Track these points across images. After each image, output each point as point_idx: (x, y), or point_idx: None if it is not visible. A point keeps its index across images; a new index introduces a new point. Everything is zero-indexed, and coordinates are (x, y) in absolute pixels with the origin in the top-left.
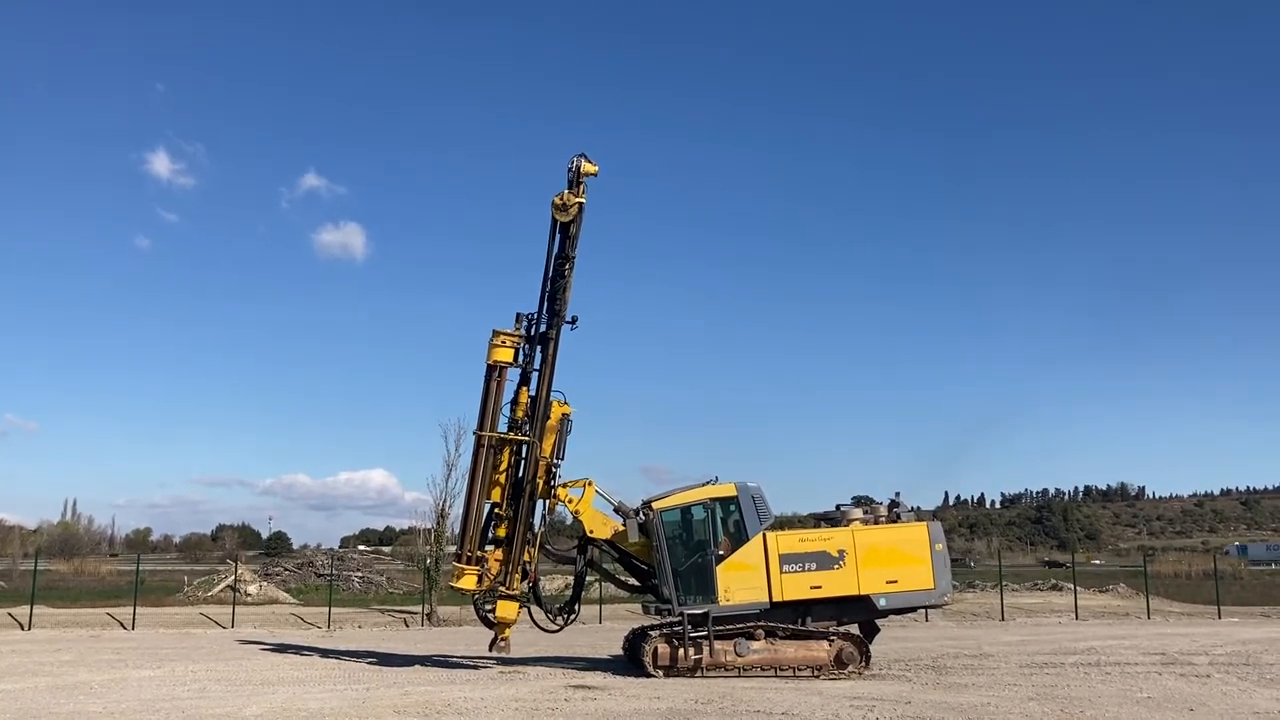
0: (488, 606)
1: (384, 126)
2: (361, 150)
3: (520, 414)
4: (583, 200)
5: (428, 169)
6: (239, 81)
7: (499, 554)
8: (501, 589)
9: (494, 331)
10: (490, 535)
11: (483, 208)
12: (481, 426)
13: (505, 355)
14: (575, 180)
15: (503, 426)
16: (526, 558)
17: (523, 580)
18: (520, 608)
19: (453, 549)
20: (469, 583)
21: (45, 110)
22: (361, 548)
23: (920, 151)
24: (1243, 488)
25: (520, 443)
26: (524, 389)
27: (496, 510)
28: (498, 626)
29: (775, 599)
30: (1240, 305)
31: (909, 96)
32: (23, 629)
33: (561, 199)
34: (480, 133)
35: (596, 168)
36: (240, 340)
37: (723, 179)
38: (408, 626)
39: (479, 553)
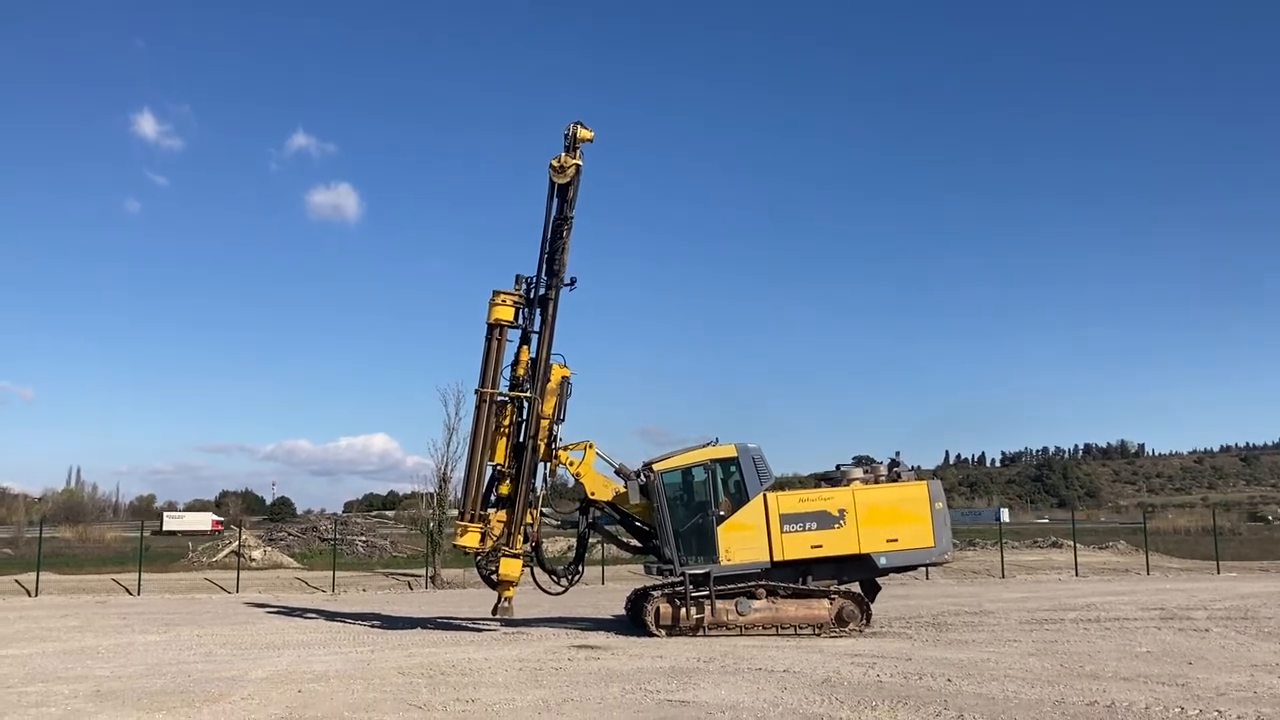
0: (490, 567)
1: (371, 82)
2: (349, 107)
3: (521, 372)
4: (579, 163)
5: (418, 125)
6: (219, 35)
7: (501, 515)
8: (504, 548)
9: (494, 291)
10: (493, 498)
11: (478, 165)
12: (483, 384)
13: (505, 314)
14: (572, 145)
15: (504, 386)
16: (529, 519)
17: (525, 543)
18: (523, 566)
19: (455, 513)
20: (472, 540)
21: (27, 72)
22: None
23: (933, 132)
24: (1242, 444)
25: (521, 401)
26: (524, 348)
27: (499, 469)
28: (501, 585)
29: (776, 558)
30: (1239, 262)
31: (915, 76)
32: (30, 595)
33: (559, 161)
34: (473, 89)
35: (592, 134)
36: (234, 305)
37: (724, 152)
38: (411, 590)
39: (482, 513)
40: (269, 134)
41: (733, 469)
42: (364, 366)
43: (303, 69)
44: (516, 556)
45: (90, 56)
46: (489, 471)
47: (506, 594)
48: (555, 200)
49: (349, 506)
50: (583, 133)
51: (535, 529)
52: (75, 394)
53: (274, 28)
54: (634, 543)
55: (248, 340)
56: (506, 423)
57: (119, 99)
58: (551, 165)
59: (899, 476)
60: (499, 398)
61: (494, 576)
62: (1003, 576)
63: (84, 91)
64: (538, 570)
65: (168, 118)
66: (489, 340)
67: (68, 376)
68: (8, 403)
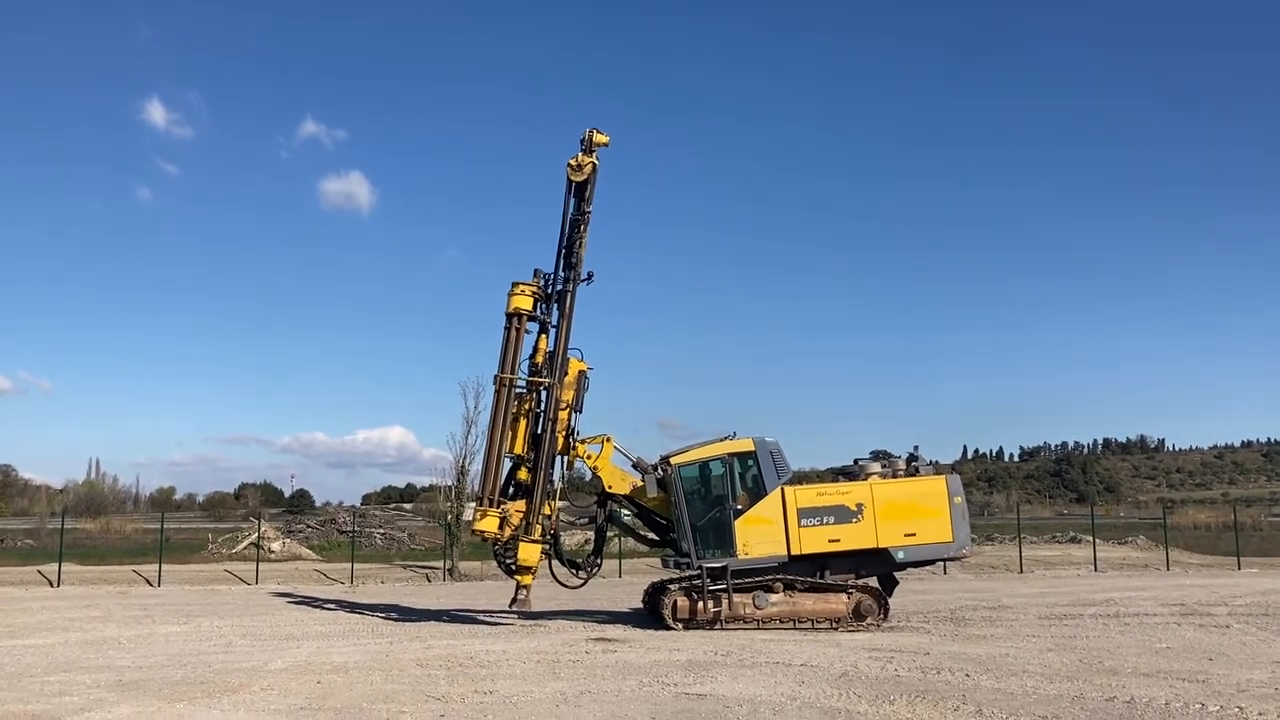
0: (509, 557)
1: (382, 68)
2: (359, 93)
3: (540, 360)
4: (596, 162)
5: (430, 112)
6: (225, 20)
7: (520, 505)
8: (522, 536)
9: (513, 282)
10: (511, 489)
11: (495, 155)
12: (502, 370)
13: (524, 303)
14: (588, 148)
15: (523, 374)
16: (547, 510)
17: (543, 535)
18: (541, 554)
19: (473, 505)
20: (490, 525)
21: (34, 61)
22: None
23: (946, 121)
24: (1264, 439)
25: (539, 390)
26: (543, 338)
27: (518, 458)
28: (519, 572)
29: (794, 552)
30: (1261, 252)
31: (937, 65)
32: (52, 586)
33: (576, 160)
34: (488, 74)
35: (608, 138)
36: (248, 296)
37: (738, 146)
38: (429, 582)
39: (501, 500)
40: (278, 121)
41: (750, 463)
42: (379, 358)
43: (310, 54)
44: (535, 542)
45: (97, 44)
46: (507, 462)
47: (524, 581)
48: (573, 197)
49: (367, 499)
50: (599, 137)
51: (553, 521)
52: (93, 385)
53: (281, 12)
54: (652, 536)
55: (262, 331)
56: (526, 407)
57: (127, 87)
58: (569, 164)
59: (917, 471)
60: (518, 385)
61: (512, 565)
62: (1021, 571)
63: (92, 80)
64: (555, 563)
65: (177, 106)
66: (508, 328)
67: (85, 368)
68: (27, 394)
